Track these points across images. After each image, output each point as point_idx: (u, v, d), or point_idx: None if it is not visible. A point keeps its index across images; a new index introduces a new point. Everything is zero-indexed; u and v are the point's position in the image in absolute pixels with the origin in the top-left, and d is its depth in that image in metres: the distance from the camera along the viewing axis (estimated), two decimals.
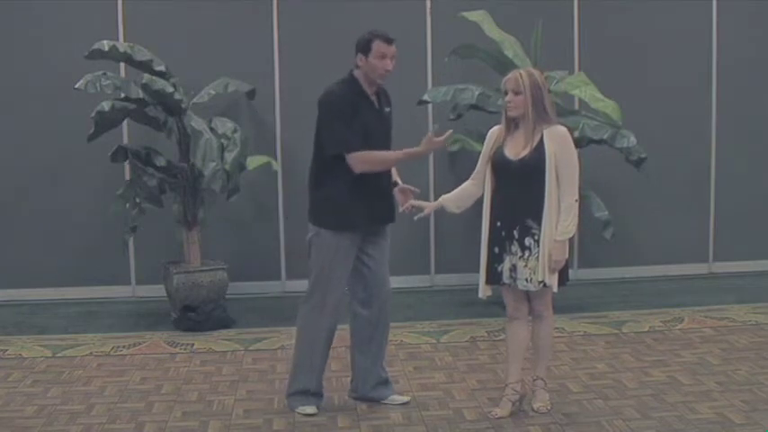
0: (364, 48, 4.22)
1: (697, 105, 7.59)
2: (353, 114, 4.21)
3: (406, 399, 4.55)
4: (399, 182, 4.43)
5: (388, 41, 4.22)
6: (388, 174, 4.38)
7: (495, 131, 4.29)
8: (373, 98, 4.31)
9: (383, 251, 4.44)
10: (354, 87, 4.27)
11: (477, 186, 4.33)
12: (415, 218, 4.40)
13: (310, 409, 4.41)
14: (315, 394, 4.46)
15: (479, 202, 4.31)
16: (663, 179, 7.41)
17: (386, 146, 4.34)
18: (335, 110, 4.22)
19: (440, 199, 4.43)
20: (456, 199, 4.37)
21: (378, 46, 4.19)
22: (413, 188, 4.38)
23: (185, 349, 5.64)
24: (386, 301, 4.48)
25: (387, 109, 4.39)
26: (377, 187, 4.31)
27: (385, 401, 4.51)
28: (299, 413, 4.39)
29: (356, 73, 4.28)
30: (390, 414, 4.39)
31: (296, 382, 4.47)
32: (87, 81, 5.84)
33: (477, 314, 6.27)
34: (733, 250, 7.70)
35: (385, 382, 4.56)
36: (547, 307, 4.31)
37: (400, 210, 4.37)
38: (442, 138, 4.22)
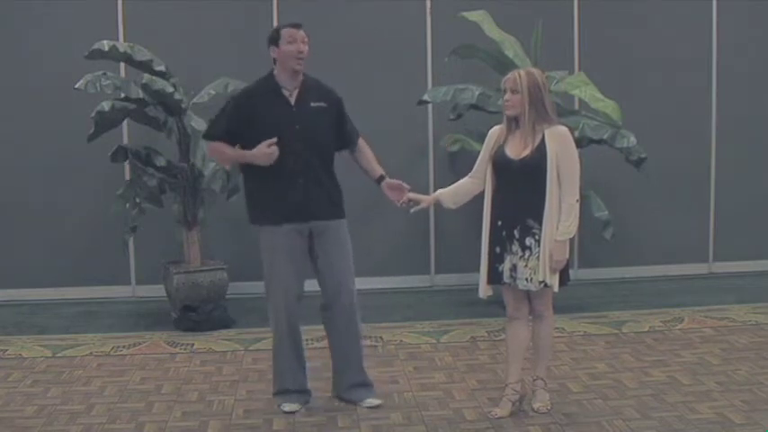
0: (274, 39, 4.27)
1: (697, 105, 7.59)
2: (249, 111, 4.24)
3: (377, 402, 4.47)
4: (385, 176, 4.39)
5: (296, 26, 4.26)
6: (309, 168, 4.26)
7: (495, 131, 4.29)
8: (290, 93, 4.27)
9: (332, 252, 4.36)
10: (267, 84, 4.30)
11: (475, 184, 4.33)
12: (412, 210, 4.40)
13: (289, 407, 4.44)
14: (297, 392, 4.48)
15: (478, 200, 4.31)
16: (663, 179, 7.41)
17: (300, 141, 4.23)
18: (228, 102, 4.38)
19: (436, 193, 4.43)
20: (453, 194, 4.38)
21: (285, 32, 4.24)
22: (403, 184, 4.34)
23: (185, 349, 5.64)
24: (344, 305, 4.40)
25: (312, 104, 4.30)
26: (291, 182, 4.24)
27: (360, 404, 4.45)
28: (282, 410, 4.43)
29: (275, 70, 4.31)
30: (390, 414, 4.38)
31: (275, 382, 4.53)
32: (87, 81, 5.84)
33: (477, 314, 6.26)
34: (733, 250, 7.70)
35: (361, 385, 4.51)
36: (547, 307, 4.31)
37: (398, 205, 4.35)
38: None
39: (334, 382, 4.58)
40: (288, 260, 4.32)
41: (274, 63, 4.31)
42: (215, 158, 4.49)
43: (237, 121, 4.28)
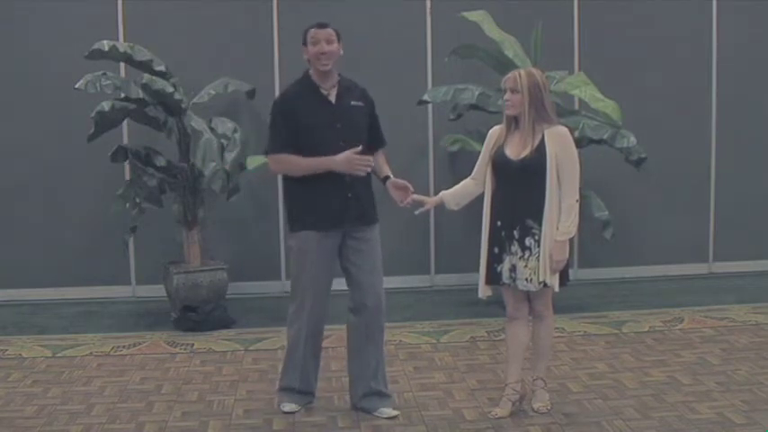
0: (303, 40, 4.26)
1: (697, 105, 7.59)
2: (292, 114, 4.21)
3: (394, 412, 4.37)
4: (391, 176, 4.37)
5: (320, 26, 4.25)
6: (353, 175, 4.19)
7: (495, 131, 4.30)
8: (328, 92, 4.25)
9: (366, 257, 4.30)
10: (305, 85, 4.29)
11: (476, 185, 4.34)
12: (416, 212, 4.40)
13: (289, 407, 4.44)
14: (300, 392, 4.46)
15: (479, 200, 4.31)
16: (663, 179, 7.41)
17: (342, 139, 4.17)
18: (273, 112, 4.31)
19: (440, 194, 4.44)
20: (456, 196, 4.39)
21: (311, 33, 4.23)
22: (409, 184, 4.32)
23: (185, 349, 5.64)
24: (373, 311, 4.33)
25: (352, 102, 4.29)
26: (334, 188, 4.19)
27: (375, 413, 4.37)
28: (281, 409, 4.43)
29: (311, 70, 4.30)
30: None
31: (282, 379, 4.52)
32: (87, 81, 5.84)
33: (477, 314, 6.26)
34: (733, 250, 7.70)
35: (377, 394, 4.41)
36: (547, 307, 4.31)
37: (401, 204, 4.34)
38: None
39: (350, 391, 4.49)
40: (319, 265, 4.27)
41: (309, 63, 4.29)
42: (285, 172, 4.34)
43: (290, 128, 4.21)
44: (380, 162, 4.45)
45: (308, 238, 4.24)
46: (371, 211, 4.35)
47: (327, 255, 4.27)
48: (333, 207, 4.21)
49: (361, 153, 4.21)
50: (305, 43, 4.24)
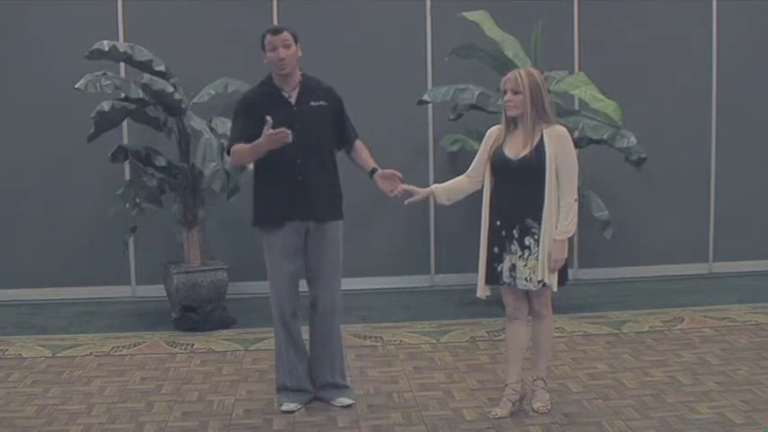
0: (261, 45, 4.30)
1: (697, 105, 7.59)
2: (251, 113, 4.27)
3: (348, 401, 4.48)
4: (377, 168, 4.40)
5: (275, 32, 4.27)
6: (309, 167, 4.27)
7: (494, 131, 4.30)
8: (288, 94, 4.31)
9: (320, 254, 4.37)
10: (265, 86, 4.37)
11: (471, 183, 4.34)
12: (406, 202, 4.38)
13: (287, 407, 4.46)
14: (294, 390, 4.49)
15: (476, 200, 4.31)
16: (663, 179, 7.41)
17: (301, 140, 4.17)
18: (234, 113, 4.41)
19: (431, 187, 4.44)
20: (448, 191, 4.39)
21: (267, 39, 4.26)
22: (396, 172, 4.33)
23: (185, 349, 5.64)
24: (325, 306, 4.43)
25: (312, 103, 4.33)
26: (291, 181, 4.27)
27: (332, 402, 4.49)
28: (280, 409, 4.45)
29: (272, 72, 4.36)
30: (390, 414, 4.39)
31: (276, 378, 4.58)
32: (87, 81, 5.84)
33: (477, 314, 6.26)
34: (733, 250, 7.70)
35: (335, 386, 4.53)
36: (546, 307, 4.31)
37: (391, 195, 4.34)
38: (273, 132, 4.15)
39: (311, 381, 4.58)
40: (285, 260, 4.36)
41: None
42: (238, 163, 4.60)
43: (249, 128, 4.24)
44: (364, 156, 4.49)
45: (270, 235, 4.39)
46: (329, 209, 4.38)
47: (292, 250, 4.35)
48: (285, 204, 4.31)
49: (330, 151, 4.36)
50: (263, 49, 4.28)
